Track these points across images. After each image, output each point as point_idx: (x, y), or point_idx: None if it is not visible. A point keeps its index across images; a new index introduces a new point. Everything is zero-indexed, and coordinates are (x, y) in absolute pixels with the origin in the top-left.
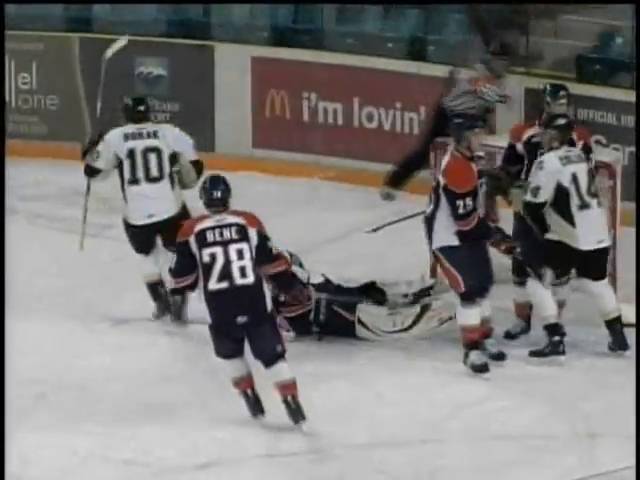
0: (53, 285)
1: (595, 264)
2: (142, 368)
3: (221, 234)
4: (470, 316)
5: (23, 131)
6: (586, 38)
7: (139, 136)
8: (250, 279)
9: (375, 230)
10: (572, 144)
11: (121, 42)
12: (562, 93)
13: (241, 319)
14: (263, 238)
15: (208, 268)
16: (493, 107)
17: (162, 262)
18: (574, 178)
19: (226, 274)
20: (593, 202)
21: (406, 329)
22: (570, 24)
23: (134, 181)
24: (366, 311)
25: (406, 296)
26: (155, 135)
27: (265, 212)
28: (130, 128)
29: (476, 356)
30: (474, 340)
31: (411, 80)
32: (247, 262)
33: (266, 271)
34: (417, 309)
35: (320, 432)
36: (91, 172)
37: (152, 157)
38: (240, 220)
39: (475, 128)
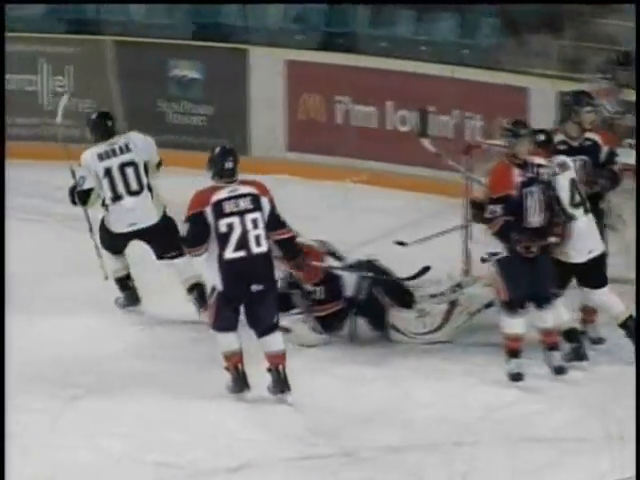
0: (84, 285)
1: (591, 273)
2: (172, 370)
3: (237, 204)
4: (512, 325)
5: (56, 134)
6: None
7: (112, 153)
8: (264, 248)
9: (404, 244)
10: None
11: (64, 100)
12: (587, 100)
13: (256, 287)
14: (273, 206)
15: (225, 237)
16: (615, 119)
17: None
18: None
19: (243, 243)
20: (578, 212)
21: (437, 329)
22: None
23: (116, 198)
24: (397, 316)
25: (434, 296)
26: (128, 148)
27: (297, 215)
28: (102, 147)
29: (514, 364)
30: (513, 348)
31: (445, 83)
32: (261, 231)
33: (274, 237)
34: (445, 307)
35: (353, 435)
36: (84, 196)
37: (129, 171)
38: (253, 190)
39: (521, 136)
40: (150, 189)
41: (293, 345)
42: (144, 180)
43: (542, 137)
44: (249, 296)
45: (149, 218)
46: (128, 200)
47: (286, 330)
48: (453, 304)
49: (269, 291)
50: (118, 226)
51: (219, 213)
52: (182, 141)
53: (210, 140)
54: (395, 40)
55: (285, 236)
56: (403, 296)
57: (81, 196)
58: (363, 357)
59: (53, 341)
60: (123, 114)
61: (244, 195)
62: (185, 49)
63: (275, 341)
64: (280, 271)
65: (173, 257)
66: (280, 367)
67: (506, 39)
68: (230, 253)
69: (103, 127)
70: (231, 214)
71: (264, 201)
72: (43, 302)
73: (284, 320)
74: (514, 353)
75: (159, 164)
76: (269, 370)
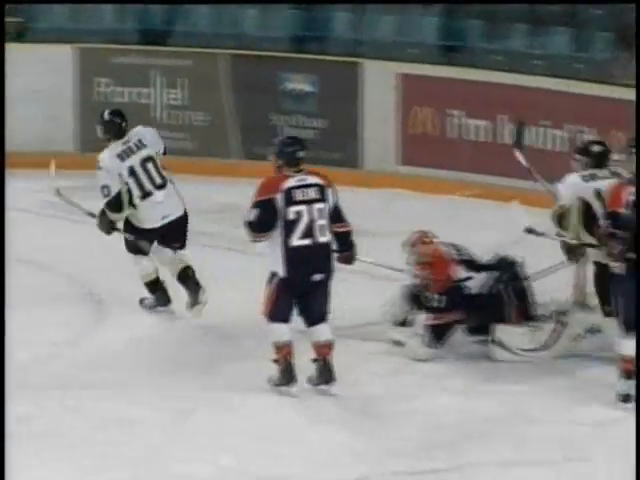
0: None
1: None
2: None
3: (306, 193)
4: (626, 346)
5: (170, 147)
6: None
7: (130, 151)
8: (327, 238)
9: (538, 233)
10: None
11: (52, 169)
12: None
13: (318, 276)
14: (336, 199)
15: (292, 225)
16: None
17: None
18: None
19: (309, 232)
20: None
21: (545, 347)
22: None
23: (145, 195)
24: (504, 329)
25: (543, 317)
26: (142, 144)
27: (408, 229)
28: (117, 147)
29: (626, 386)
30: (627, 370)
31: (558, 97)
32: (325, 221)
33: (334, 229)
34: (557, 326)
35: (465, 449)
36: (118, 204)
37: (150, 167)
38: (320, 181)
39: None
40: (171, 180)
41: (405, 359)
42: (163, 172)
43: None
44: (309, 285)
45: (178, 209)
46: (158, 194)
47: (399, 343)
48: (563, 324)
49: (326, 281)
50: (150, 222)
51: (289, 200)
52: None
53: (322, 154)
54: (509, 54)
55: (344, 229)
56: (525, 304)
57: (114, 205)
58: (475, 371)
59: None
60: (236, 127)
61: (312, 185)
62: (298, 62)
63: (324, 331)
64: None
65: (179, 248)
66: (326, 358)
67: (620, 53)
68: (296, 240)
69: (117, 126)
70: (300, 202)
71: (329, 192)
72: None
73: (397, 333)
74: (627, 374)
75: (164, 152)
76: (315, 360)
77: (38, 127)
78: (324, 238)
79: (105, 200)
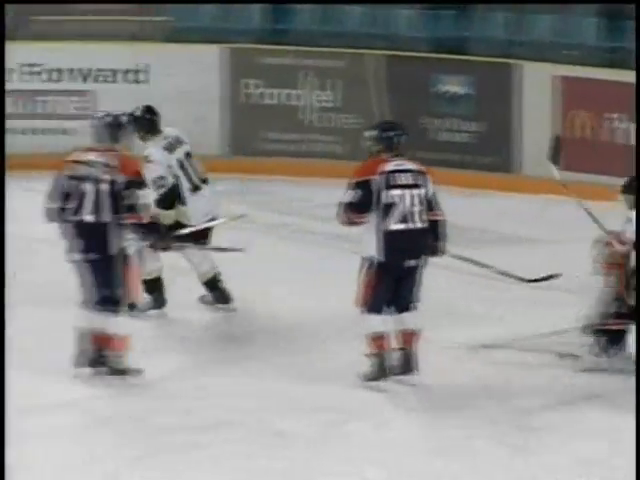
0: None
1: None
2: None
3: (405, 178)
4: None
5: (320, 150)
6: None
7: (174, 145)
8: (423, 224)
9: None
10: None
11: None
12: None
13: (413, 262)
14: (432, 187)
15: (389, 208)
16: None
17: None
18: None
19: (406, 216)
20: None
21: None
22: None
23: (195, 188)
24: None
25: None
26: (180, 140)
27: (566, 237)
28: (159, 141)
29: None
30: None
31: None
32: (422, 207)
33: (428, 217)
34: None
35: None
36: (173, 194)
37: (193, 161)
38: (418, 167)
39: None
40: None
41: (572, 372)
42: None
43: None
44: (403, 270)
45: (217, 206)
46: (206, 188)
47: (573, 356)
48: None
49: (419, 268)
50: (196, 217)
51: (387, 183)
52: (445, 159)
53: (476, 158)
54: None
55: (438, 218)
56: None
57: (167, 200)
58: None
59: None
60: None
61: (410, 170)
62: (452, 63)
63: (413, 319)
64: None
65: (204, 243)
66: (411, 346)
67: None
68: (393, 224)
69: (151, 122)
70: (399, 186)
71: (427, 179)
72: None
73: (565, 343)
74: None
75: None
76: (401, 349)
77: (185, 129)
78: (419, 224)
79: (159, 192)
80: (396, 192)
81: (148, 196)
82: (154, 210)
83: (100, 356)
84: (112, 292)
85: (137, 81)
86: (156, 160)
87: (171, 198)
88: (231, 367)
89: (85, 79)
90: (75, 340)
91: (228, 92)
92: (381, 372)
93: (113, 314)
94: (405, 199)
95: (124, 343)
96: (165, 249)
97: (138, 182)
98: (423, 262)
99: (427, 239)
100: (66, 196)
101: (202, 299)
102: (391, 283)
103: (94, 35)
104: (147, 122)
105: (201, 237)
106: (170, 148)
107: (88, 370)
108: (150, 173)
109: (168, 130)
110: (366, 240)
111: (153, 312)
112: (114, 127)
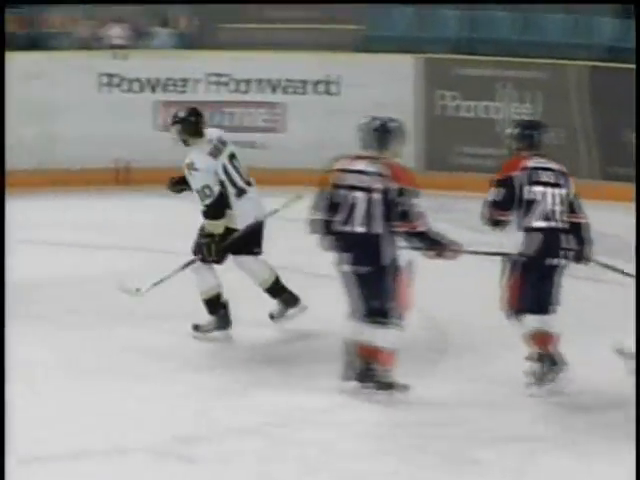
0: None
1: None
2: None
3: (548, 176)
4: None
5: (477, 164)
6: None
7: (218, 150)
8: (562, 224)
9: None
10: None
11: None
12: None
13: (555, 261)
14: (573, 189)
15: (531, 205)
16: None
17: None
18: None
19: (547, 214)
20: None
21: None
22: None
23: (240, 192)
24: None
25: None
26: (224, 142)
27: None
28: (203, 146)
29: None
30: None
31: None
32: (563, 208)
33: (570, 218)
34: None
35: None
36: (223, 204)
37: (236, 163)
38: (559, 167)
39: None
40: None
41: None
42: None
43: None
44: (544, 269)
45: (263, 208)
46: (251, 190)
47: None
48: None
49: (560, 268)
50: (245, 221)
51: (530, 179)
52: None
53: None
54: None
55: (581, 220)
56: None
57: (217, 209)
58: None
59: None
60: (591, 145)
61: (552, 169)
62: None
63: (551, 322)
64: None
65: (258, 253)
66: (551, 348)
67: None
68: (535, 221)
69: (195, 125)
70: (541, 183)
71: (568, 180)
72: None
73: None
74: None
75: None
76: (541, 355)
77: None
78: (560, 224)
79: (206, 202)
80: (538, 189)
81: (421, 205)
82: (205, 221)
83: (368, 369)
84: (382, 304)
85: (328, 92)
86: (202, 168)
87: (220, 207)
88: None
89: (274, 90)
90: (342, 352)
91: (422, 104)
92: (554, 371)
93: (382, 327)
94: (547, 197)
95: (392, 357)
96: (217, 262)
97: (411, 190)
98: (564, 263)
99: (569, 241)
100: (333, 206)
101: (273, 315)
102: (535, 282)
103: (283, 44)
104: (192, 125)
105: (253, 244)
106: (215, 153)
107: (355, 384)
108: (196, 182)
109: (210, 131)
110: (508, 239)
111: (218, 333)
112: (382, 133)
